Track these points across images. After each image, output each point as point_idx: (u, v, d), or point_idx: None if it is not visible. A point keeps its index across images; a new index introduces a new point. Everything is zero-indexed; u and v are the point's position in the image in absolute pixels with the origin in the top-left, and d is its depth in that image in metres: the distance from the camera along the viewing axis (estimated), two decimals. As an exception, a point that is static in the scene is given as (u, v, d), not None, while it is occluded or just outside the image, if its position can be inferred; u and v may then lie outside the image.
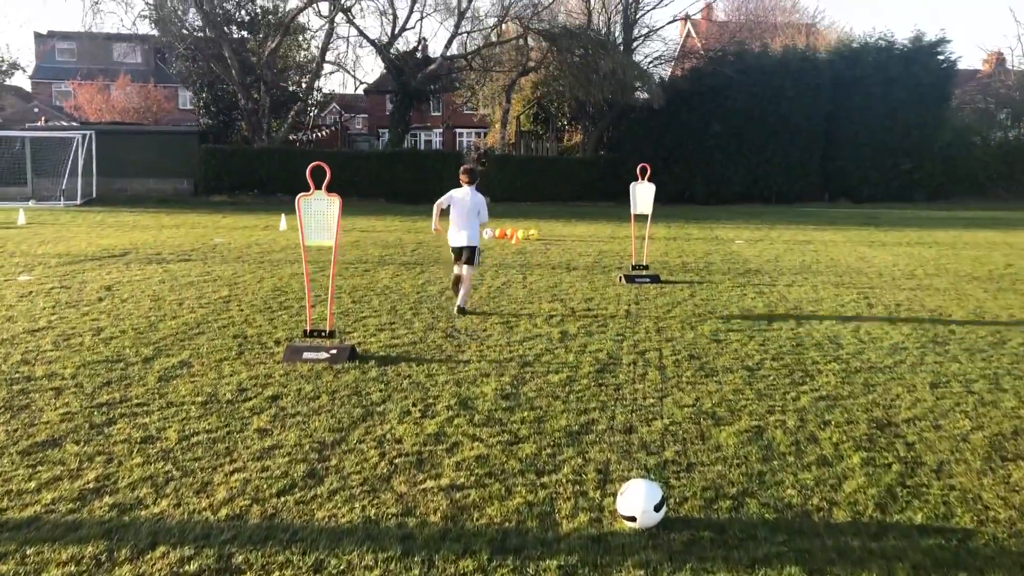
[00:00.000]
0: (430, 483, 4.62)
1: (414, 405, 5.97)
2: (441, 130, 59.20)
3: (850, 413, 5.96)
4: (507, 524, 4.16)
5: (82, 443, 5.10)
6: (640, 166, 12.15)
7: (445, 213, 9.37)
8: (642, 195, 12.05)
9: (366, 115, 60.50)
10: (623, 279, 11.87)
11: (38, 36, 55.19)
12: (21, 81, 56.66)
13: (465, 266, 9.25)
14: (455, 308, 9.34)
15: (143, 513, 4.18)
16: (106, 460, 4.84)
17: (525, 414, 5.81)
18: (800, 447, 5.27)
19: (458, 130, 59.04)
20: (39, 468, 4.71)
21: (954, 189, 33.53)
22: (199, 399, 6.02)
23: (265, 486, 4.52)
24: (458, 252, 9.32)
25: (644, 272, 12.09)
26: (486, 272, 12.64)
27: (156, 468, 4.74)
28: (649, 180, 12.06)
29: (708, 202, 31.74)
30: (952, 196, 33.45)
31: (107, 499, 4.33)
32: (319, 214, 7.12)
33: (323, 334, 7.26)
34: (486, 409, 5.90)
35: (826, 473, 4.86)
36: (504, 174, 31.01)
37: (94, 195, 27.21)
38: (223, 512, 4.21)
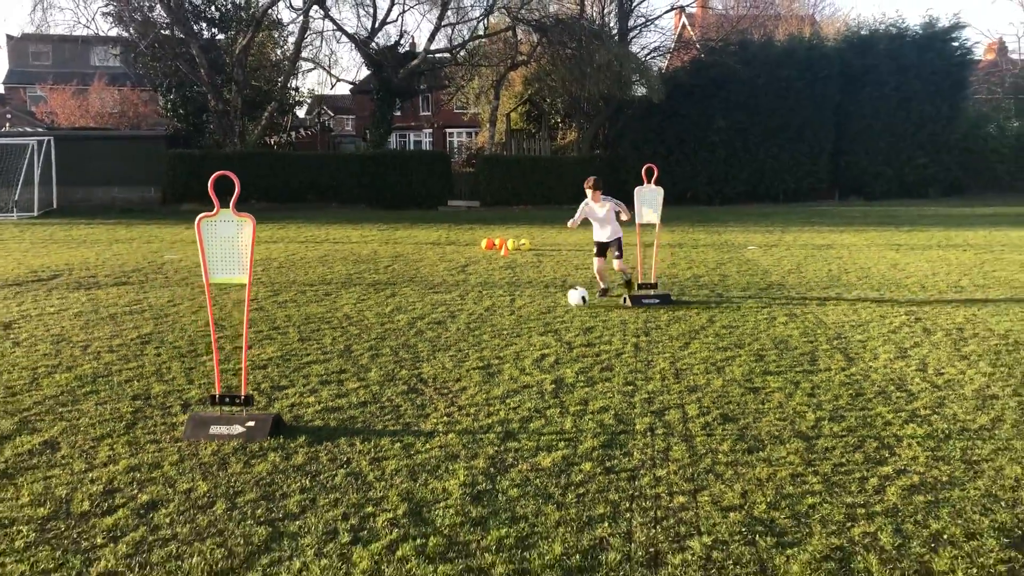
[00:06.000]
0: None
1: (344, 518, 4.18)
2: (431, 130, 57.33)
3: (965, 518, 4.18)
4: None
5: None
6: (646, 167, 10.36)
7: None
8: (648, 201, 10.26)
9: (353, 116, 58.61)
10: (628, 300, 10.08)
11: (9, 38, 53.18)
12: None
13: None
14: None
15: None
16: None
17: (503, 532, 4.03)
18: (913, 591, 3.50)
19: (449, 130, 57.16)
20: None
21: (971, 184, 31.74)
22: (41, 512, 4.24)
23: None
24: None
25: (652, 292, 10.30)
26: (468, 294, 10.84)
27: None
28: (655, 182, 10.28)
29: (712, 202, 29.88)
30: (968, 191, 31.67)
31: None
32: (227, 241, 5.31)
33: (237, 400, 5.45)
34: (447, 524, 4.12)
35: (970, 651, 3.08)
36: (493, 176, 29.04)
37: (54, 206, 25.34)
38: None
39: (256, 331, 8.47)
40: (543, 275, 12.57)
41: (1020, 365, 7.12)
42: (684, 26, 41.99)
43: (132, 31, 27.17)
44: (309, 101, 43.41)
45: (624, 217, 10.22)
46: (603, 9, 32.24)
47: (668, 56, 36.65)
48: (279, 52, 30.96)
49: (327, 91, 42.90)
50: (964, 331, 8.48)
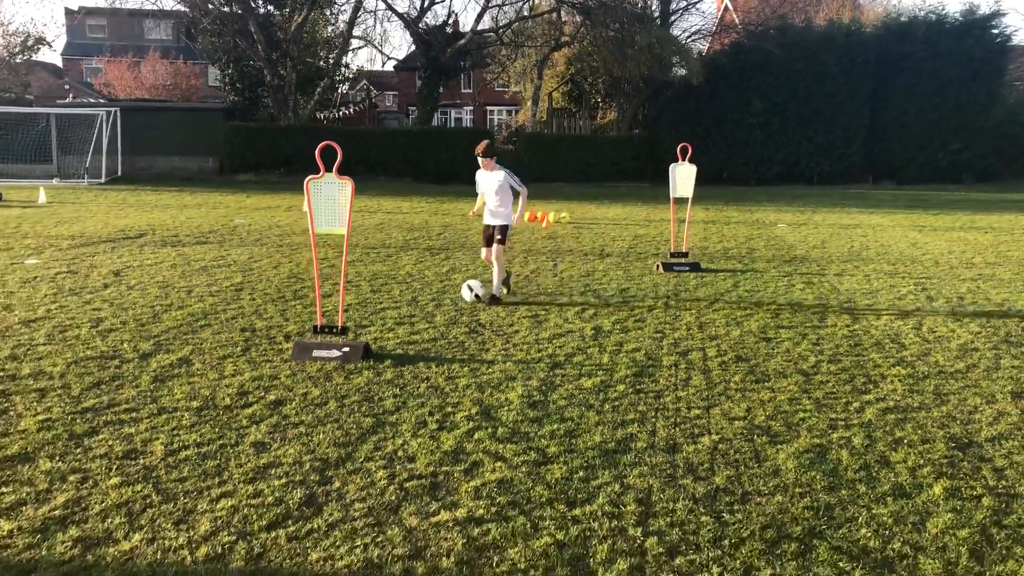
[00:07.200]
0: (444, 515, 3.99)
1: (431, 414, 5.34)
2: (472, 108, 58.35)
3: (924, 429, 5.23)
4: (532, 572, 3.52)
5: (57, 458, 4.53)
6: (681, 146, 11.38)
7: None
8: (682, 177, 11.28)
9: (396, 92, 59.82)
10: (661, 267, 11.13)
11: (69, 12, 55.02)
12: (52, 57, 56.60)
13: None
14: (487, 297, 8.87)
15: (110, 551, 3.59)
16: (80, 480, 4.27)
17: (555, 427, 5.16)
18: (871, 472, 4.57)
19: (489, 107, 58.14)
20: (3, 490, 4.15)
21: (1005, 170, 32.13)
22: (194, 404, 5.45)
23: (254, 516, 3.92)
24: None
25: (683, 260, 11.34)
26: (515, 258, 11.97)
27: (134, 491, 4.15)
28: (690, 160, 11.29)
29: (747, 183, 30.69)
30: (1002, 178, 32.06)
31: (72, 531, 3.75)
32: (329, 199, 6.47)
33: (334, 330, 6.64)
34: (511, 420, 5.26)
35: (905, 507, 4.16)
36: (535, 153, 30.17)
37: (119, 173, 26.86)
38: (202, 551, 3.61)
39: (333, 283, 9.68)
40: (582, 244, 13.65)
41: (1006, 327, 8.08)
42: (727, 9, 42.48)
43: (192, 7, 28.54)
44: (354, 76, 44.66)
45: (521, 197, 8.74)
46: (645, -9, 32.98)
47: (709, 39, 37.27)
48: (330, 30, 32.19)
49: (376, 68, 44.05)
50: (964, 299, 9.43)
